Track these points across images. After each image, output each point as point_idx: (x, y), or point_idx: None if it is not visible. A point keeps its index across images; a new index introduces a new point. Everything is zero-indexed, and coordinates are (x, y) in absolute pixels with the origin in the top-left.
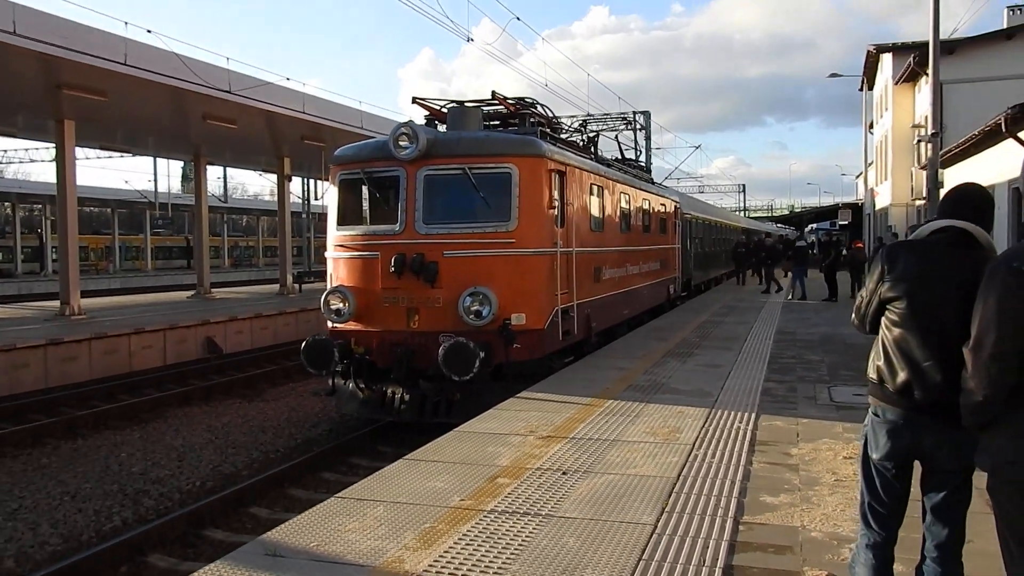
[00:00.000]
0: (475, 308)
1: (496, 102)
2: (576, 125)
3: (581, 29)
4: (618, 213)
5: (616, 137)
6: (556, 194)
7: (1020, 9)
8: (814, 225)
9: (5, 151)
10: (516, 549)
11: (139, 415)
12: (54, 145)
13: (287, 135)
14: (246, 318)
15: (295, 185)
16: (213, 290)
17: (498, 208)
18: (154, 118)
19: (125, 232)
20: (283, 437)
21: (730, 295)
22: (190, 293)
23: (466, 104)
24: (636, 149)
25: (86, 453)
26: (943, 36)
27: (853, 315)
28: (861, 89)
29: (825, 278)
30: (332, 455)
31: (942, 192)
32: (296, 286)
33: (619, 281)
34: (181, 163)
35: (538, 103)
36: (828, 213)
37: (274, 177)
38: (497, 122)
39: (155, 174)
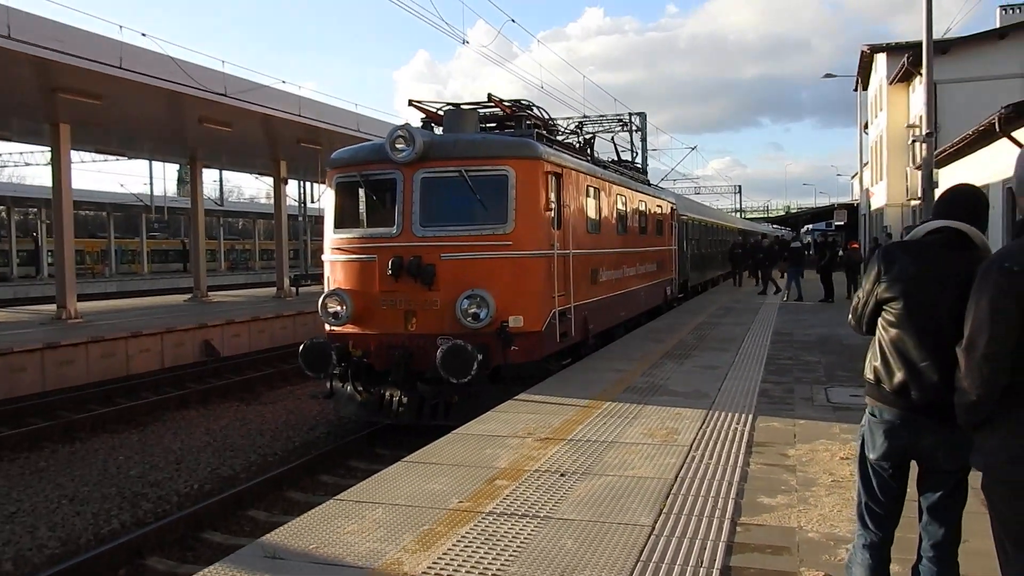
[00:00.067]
0: (473, 310)
1: (492, 104)
2: (572, 127)
3: (576, 31)
4: (615, 215)
5: (612, 139)
6: (553, 196)
7: (1013, 8)
8: (810, 226)
9: (0, 155)
10: (515, 551)
11: (137, 418)
12: (49, 149)
13: (283, 138)
14: (243, 321)
15: (291, 188)
16: (210, 293)
17: (495, 210)
18: (150, 121)
19: (121, 236)
20: (281, 440)
21: (727, 296)
22: (187, 296)
23: (462, 106)
24: (632, 150)
25: (84, 456)
26: (936, 36)
27: (850, 316)
28: (856, 89)
29: (821, 279)
30: (330, 458)
31: (937, 192)
32: (293, 289)
33: (616, 283)
34: (177, 166)
35: (534, 105)
36: (824, 214)
37: (270, 180)
38: (493, 124)
39: (151, 177)
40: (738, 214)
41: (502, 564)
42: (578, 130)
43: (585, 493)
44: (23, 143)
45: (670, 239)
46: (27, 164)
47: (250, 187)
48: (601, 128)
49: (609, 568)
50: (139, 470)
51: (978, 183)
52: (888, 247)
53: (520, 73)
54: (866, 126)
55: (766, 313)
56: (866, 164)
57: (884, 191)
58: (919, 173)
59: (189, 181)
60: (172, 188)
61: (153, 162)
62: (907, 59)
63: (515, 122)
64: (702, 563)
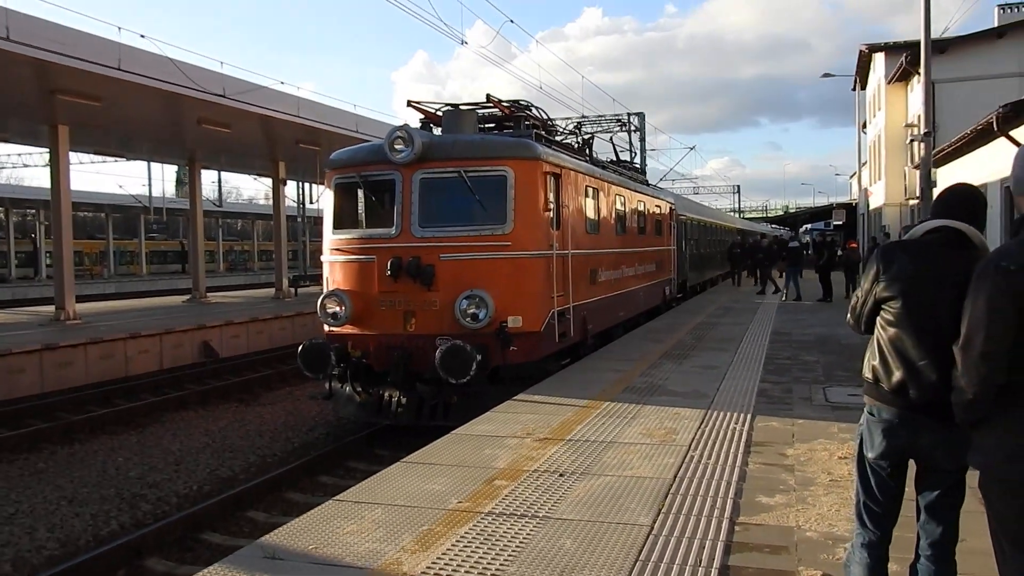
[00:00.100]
0: (472, 311)
1: (491, 105)
2: (571, 127)
3: (575, 31)
4: (613, 215)
5: (611, 139)
6: (551, 196)
7: (1011, 8)
8: (808, 226)
9: None
10: (514, 551)
11: (136, 419)
12: (48, 150)
13: (282, 139)
14: (242, 322)
15: (290, 189)
16: (208, 294)
17: (494, 211)
18: (148, 123)
19: (120, 237)
20: (280, 441)
21: (726, 296)
22: (185, 297)
23: (461, 107)
24: (631, 151)
25: (83, 458)
26: (934, 35)
27: (848, 315)
28: (854, 89)
29: (820, 279)
30: (329, 459)
31: (935, 192)
32: (292, 290)
33: (615, 283)
34: (175, 167)
35: (533, 105)
36: (822, 213)
37: (269, 181)
38: (492, 125)
39: (149, 178)
40: (737, 214)
41: (501, 564)
42: (577, 130)
43: (584, 493)
44: (22, 144)
45: (669, 239)
46: (25, 166)
47: (249, 188)
48: (600, 128)
49: (608, 568)
50: (138, 471)
51: (976, 182)
52: (887, 246)
53: (519, 73)
54: (864, 126)
55: (765, 313)
56: (864, 164)
57: (882, 190)
58: (917, 172)
59: (188, 182)
60: (171, 189)
61: (152, 163)
62: (905, 58)
63: (514, 122)
64: (701, 562)
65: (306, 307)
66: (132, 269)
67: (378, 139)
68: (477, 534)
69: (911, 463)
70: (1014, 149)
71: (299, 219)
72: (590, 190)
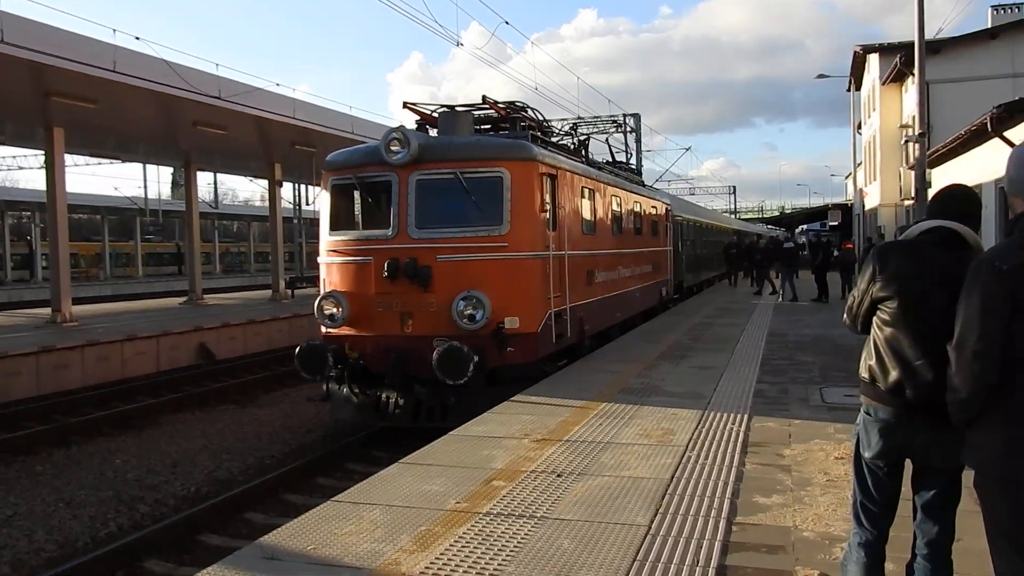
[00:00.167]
0: (469, 312)
1: (487, 106)
2: (566, 128)
3: (570, 32)
4: (610, 216)
5: (607, 140)
6: (548, 197)
7: (1005, 8)
8: (804, 226)
9: None
10: (512, 551)
11: (133, 422)
12: (43, 152)
13: (278, 141)
14: (239, 324)
15: (286, 190)
16: (205, 296)
17: (490, 212)
18: (144, 125)
19: (115, 239)
20: (278, 443)
21: (722, 297)
22: (182, 299)
23: (457, 109)
24: (627, 152)
25: (80, 460)
26: (928, 36)
27: (845, 315)
28: (849, 90)
29: (815, 279)
30: (327, 460)
31: (930, 192)
32: (288, 292)
33: (611, 284)
34: (171, 169)
35: (528, 107)
36: (818, 214)
37: (265, 183)
38: (488, 126)
39: (145, 180)
40: (733, 215)
41: (499, 564)
42: (572, 131)
43: (582, 493)
44: (16, 147)
45: (665, 240)
46: (20, 168)
47: (245, 190)
48: (595, 129)
49: (606, 568)
50: (136, 473)
51: (970, 183)
52: (882, 247)
53: (514, 75)
54: (859, 126)
55: (761, 314)
56: (860, 164)
57: (878, 191)
58: (912, 173)
59: (183, 184)
60: (166, 191)
61: (147, 165)
62: (899, 59)
63: (510, 124)
64: (698, 562)
65: (303, 308)
66: (128, 271)
67: (374, 140)
68: (475, 534)
69: (908, 463)
70: (1008, 150)
71: (295, 220)
72: (586, 191)
